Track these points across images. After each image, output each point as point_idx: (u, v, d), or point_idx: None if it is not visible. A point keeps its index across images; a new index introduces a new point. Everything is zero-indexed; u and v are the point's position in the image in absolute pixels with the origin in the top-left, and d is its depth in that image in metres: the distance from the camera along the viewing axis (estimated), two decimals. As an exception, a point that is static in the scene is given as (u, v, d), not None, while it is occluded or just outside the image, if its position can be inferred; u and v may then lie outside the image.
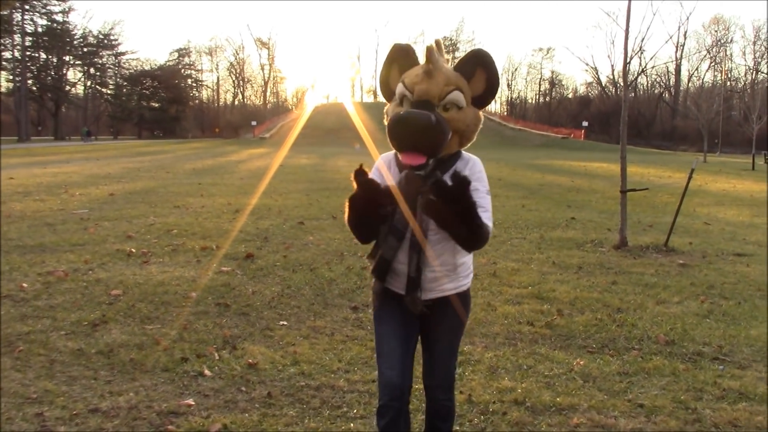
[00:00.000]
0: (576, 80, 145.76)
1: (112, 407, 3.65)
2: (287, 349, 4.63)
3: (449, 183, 2.16)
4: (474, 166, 2.50)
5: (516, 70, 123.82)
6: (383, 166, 2.57)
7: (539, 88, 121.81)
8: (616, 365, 4.46)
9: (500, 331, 5.18)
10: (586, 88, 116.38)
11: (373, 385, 3.99)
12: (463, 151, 2.55)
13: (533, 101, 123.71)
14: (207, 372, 4.18)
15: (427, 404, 2.83)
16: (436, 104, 2.36)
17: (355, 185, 2.25)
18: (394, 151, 2.48)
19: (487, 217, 2.37)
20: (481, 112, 2.53)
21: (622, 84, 9.70)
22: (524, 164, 34.91)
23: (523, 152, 55.67)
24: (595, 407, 3.78)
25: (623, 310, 5.84)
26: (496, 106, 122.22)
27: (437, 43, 2.48)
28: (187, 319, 5.26)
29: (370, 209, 2.30)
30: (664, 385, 4.14)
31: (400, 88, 2.45)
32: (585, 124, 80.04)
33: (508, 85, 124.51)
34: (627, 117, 9.00)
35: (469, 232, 2.27)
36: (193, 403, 3.72)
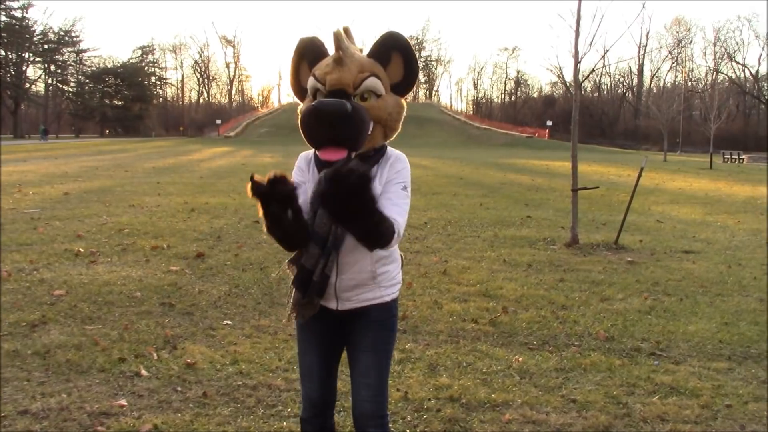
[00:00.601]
0: (541, 80, 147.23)
1: (43, 409, 3.60)
2: (228, 349, 4.61)
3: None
4: (396, 161, 2.28)
5: (482, 69, 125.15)
6: (303, 168, 2.36)
7: (505, 87, 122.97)
8: (554, 361, 4.52)
9: (444, 328, 5.21)
10: (551, 87, 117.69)
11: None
12: (389, 147, 2.34)
13: (499, 100, 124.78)
14: (144, 372, 4.15)
15: None
16: (352, 93, 2.15)
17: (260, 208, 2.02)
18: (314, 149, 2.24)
19: (397, 211, 2.14)
20: (403, 100, 2.31)
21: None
22: (487, 163, 35.14)
23: (488, 151, 56.08)
24: (529, 403, 3.82)
25: (567, 307, 5.91)
26: (462, 105, 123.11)
27: (346, 30, 2.27)
28: (130, 319, 5.21)
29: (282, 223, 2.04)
30: (598, 381, 4.20)
31: (311, 82, 2.22)
32: (549, 123, 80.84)
33: (474, 84, 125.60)
34: (578, 117, 9.11)
35: (366, 228, 2.03)
36: (125, 403, 3.69)
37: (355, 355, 2.41)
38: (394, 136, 2.33)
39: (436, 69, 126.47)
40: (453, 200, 14.94)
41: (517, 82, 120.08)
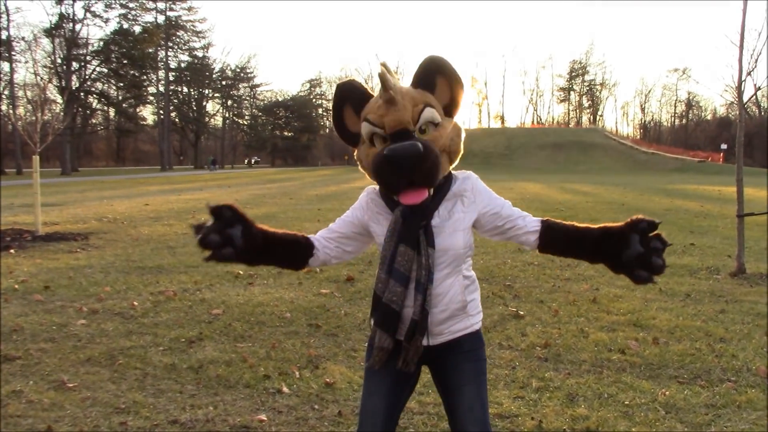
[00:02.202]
0: (715, 101, 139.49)
1: (191, 420, 3.84)
2: (367, 370, 4.70)
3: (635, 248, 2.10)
4: (474, 184, 2.27)
5: (650, 92, 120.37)
6: (370, 204, 2.37)
7: (674, 109, 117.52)
8: (705, 397, 4.25)
9: (588, 358, 5.04)
10: (727, 109, 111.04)
11: (442, 408, 4.00)
12: (454, 172, 2.31)
13: (668, 124, 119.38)
14: (285, 389, 4.32)
15: None
16: (413, 129, 2.14)
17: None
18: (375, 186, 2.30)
19: (519, 213, 2.26)
20: (458, 122, 2.29)
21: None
22: (653, 189, 33.58)
23: (655, 177, 53.67)
24: (672, 439, 3.62)
25: (726, 340, 5.53)
26: (628, 130, 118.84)
27: (384, 66, 2.19)
28: (278, 339, 5.45)
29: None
30: (754, 420, 3.90)
31: (366, 128, 2.20)
32: (724, 146, 76.03)
33: (641, 107, 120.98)
34: (743, 137, 8.57)
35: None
36: (265, 418, 3.86)
37: (455, 389, 2.32)
38: (458, 160, 2.29)
39: (600, 93, 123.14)
40: (612, 227, 14.37)
41: (689, 104, 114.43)
